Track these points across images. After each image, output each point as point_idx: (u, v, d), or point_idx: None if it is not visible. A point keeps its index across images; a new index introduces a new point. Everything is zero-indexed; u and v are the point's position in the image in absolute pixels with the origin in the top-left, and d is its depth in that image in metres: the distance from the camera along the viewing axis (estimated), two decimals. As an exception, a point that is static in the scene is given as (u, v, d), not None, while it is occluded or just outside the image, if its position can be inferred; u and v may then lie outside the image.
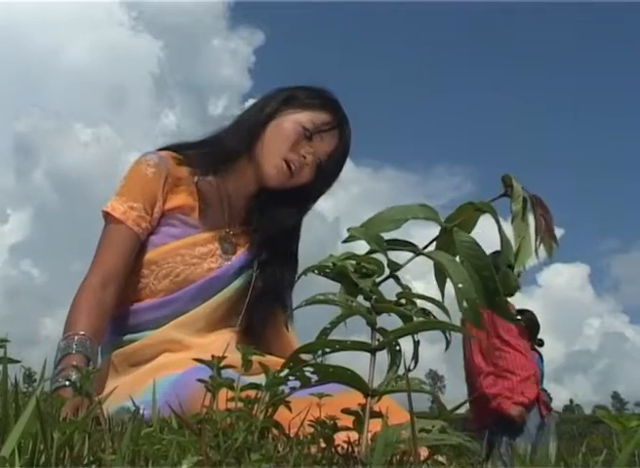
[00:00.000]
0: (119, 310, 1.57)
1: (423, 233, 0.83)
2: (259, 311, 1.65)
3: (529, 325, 5.11)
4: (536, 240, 0.80)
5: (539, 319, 5.23)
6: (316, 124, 1.62)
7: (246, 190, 1.69)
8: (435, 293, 0.81)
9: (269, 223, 1.69)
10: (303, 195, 1.67)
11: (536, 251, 0.80)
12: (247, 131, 1.64)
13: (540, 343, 5.12)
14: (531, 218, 0.81)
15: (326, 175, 1.66)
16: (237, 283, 1.64)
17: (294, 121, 1.62)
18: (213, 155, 1.64)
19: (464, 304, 0.71)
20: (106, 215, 1.58)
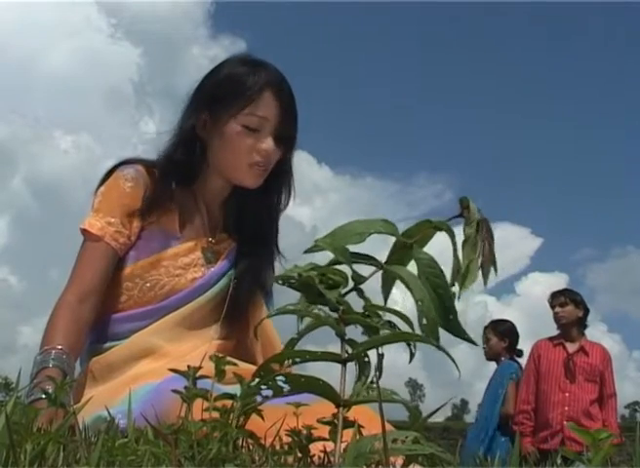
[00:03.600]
0: (101, 319, 1.56)
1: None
2: (239, 311, 1.64)
3: (509, 335, 5.15)
4: (476, 262, 0.81)
5: (517, 328, 5.27)
6: (256, 113, 1.57)
7: (220, 196, 1.70)
8: (406, 303, 0.83)
9: (252, 211, 1.69)
10: (279, 169, 1.66)
11: (476, 275, 0.81)
12: (185, 144, 1.62)
13: (520, 354, 5.15)
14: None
15: (286, 135, 1.62)
16: (216, 288, 1.63)
17: (234, 125, 1.58)
18: (174, 171, 1.63)
19: (424, 321, 0.72)
20: (84, 232, 1.57)
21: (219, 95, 1.60)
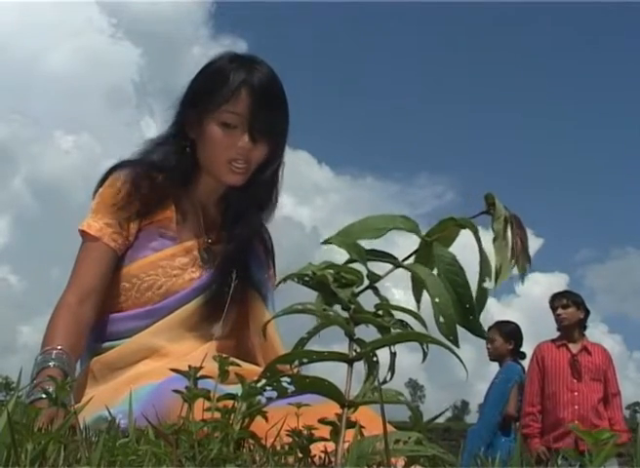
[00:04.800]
0: (100, 319, 1.56)
1: (407, 242, 0.84)
2: (235, 310, 1.64)
3: (514, 337, 5.14)
4: (511, 259, 0.80)
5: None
6: (232, 110, 1.57)
7: (215, 195, 1.68)
8: (414, 302, 0.82)
9: (245, 204, 1.67)
10: (263, 166, 1.64)
11: (510, 270, 0.80)
12: (175, 145, 1.63)
13: (523, 356, 5.15)
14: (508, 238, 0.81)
15: (267, 133, 1.60)
16: (215, 289, 1.63)
17: (213, 123, 1.58)
18: (168, 172, 1.62)
19: (441, 319, 0.71)
20: (82, 234, 1.57)
21: (201, 93, 1.61)
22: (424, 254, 0.79)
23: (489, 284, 0.78)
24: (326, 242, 0.76)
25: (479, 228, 0.80)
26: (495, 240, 0.80)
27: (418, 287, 0.80)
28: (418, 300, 0.80)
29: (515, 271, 0.81)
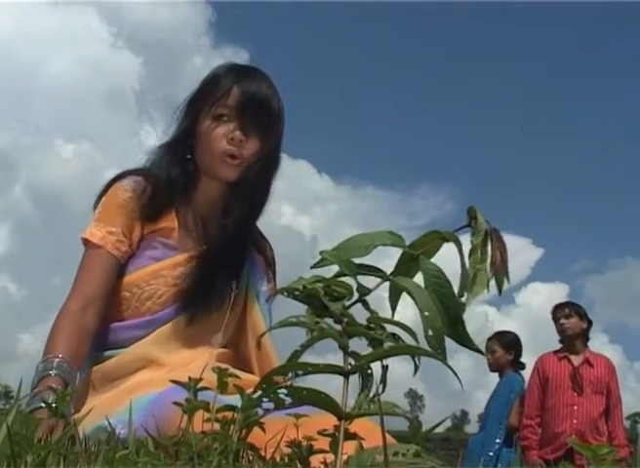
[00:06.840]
0: (101, 327, 1.56)
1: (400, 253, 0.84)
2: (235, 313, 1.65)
3: (514, 347, 5.13)
4: (489, 272, 0.81)
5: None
6: (223, 103, 1.60)
7: (218, 202, 1.67)
8: (408, 314, 0.83)
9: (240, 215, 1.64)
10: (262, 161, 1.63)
11: (487, 284, 0.81)
12: (176, 155, 1.65)
13: (523, 366, 5.13)
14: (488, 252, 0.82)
15: (259, 128, 1.61)
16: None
17: (206, 119, 1.61)
18: (171, 182, 1.63)
19: (430, 333, 0.72)
20: (85, 242, 1.58)
21: (196, 99, 1.66)
22: (406, 267, 0.80)
23: (471, 299, 0.78)
24: (315, 266, 0.77)
25: (466, 241, 0.81)
26: (471, 253, 0.81)
27: (394, 296, 0.81)
28: (393, 308, 0.81)
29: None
